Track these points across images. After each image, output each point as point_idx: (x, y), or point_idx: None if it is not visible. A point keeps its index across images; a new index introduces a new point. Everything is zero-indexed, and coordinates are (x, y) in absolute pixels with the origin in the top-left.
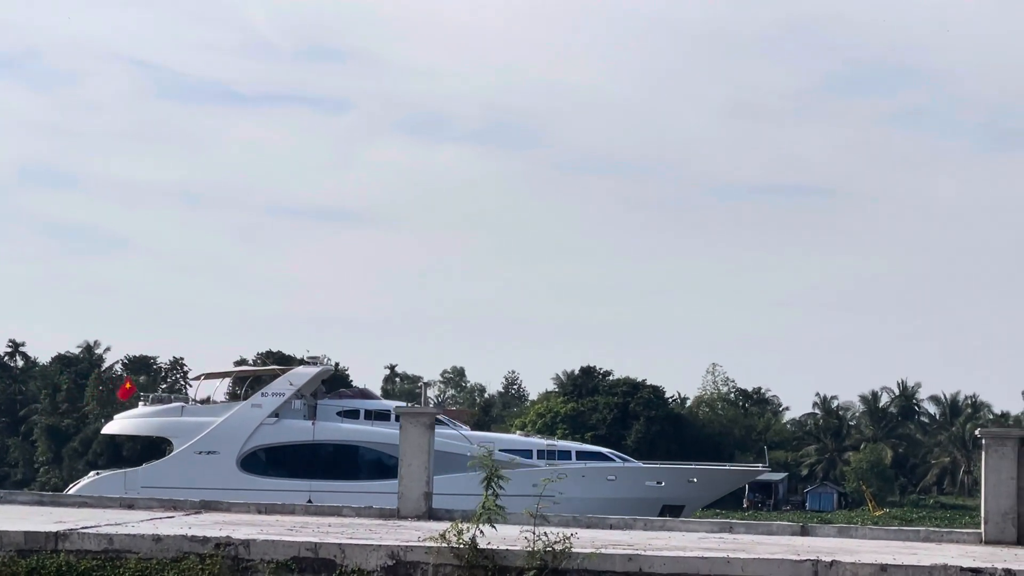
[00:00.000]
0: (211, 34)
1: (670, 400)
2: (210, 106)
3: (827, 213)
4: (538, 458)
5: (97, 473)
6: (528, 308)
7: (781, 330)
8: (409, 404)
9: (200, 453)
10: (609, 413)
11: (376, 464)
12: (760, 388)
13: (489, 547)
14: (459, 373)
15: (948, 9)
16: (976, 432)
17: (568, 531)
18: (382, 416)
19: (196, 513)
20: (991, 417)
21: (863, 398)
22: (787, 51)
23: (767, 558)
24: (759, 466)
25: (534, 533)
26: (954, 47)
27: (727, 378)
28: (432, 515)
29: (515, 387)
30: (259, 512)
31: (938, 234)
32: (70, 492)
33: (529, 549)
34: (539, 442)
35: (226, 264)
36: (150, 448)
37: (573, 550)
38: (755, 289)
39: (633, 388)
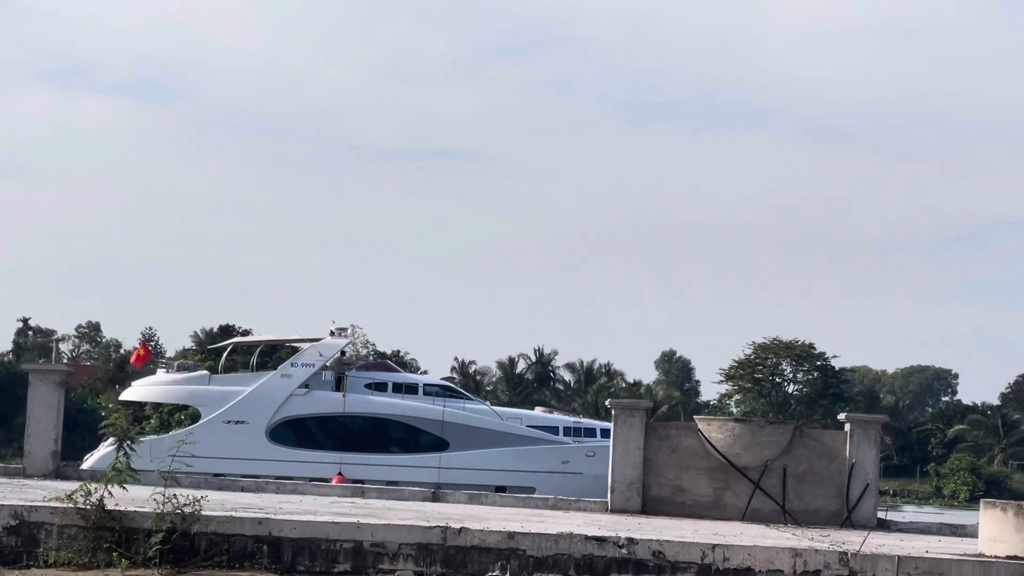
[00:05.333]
0: None
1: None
2: None
3: (472, 178)
4: (564, 435)
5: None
6: (168, 264)
7: (422, 293)
8: (42, 360)
9: (229, 423)
10: (248, 372)
11: (407, 438)
12: (399, 351)
13: (117, 508)
14: (94, 328)
15: None
16: (607, 403)
17: (199, 493)
18: (411, 389)
19: None
20: (624, 385)
21: (500, 364)
22: (440, 16)
23: (397, 524)
24: None
25: (164, 495)
26: (606, 19)
27: (367, 340)
28: (60, 474)
29: (152, 343)
30: None
31: (580, 203)
32: (88, 462)
33: (158, 511)
34: (565, 419)
35: None
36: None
37: (203, 513)
38: (398, 251)
39: (271, 348)
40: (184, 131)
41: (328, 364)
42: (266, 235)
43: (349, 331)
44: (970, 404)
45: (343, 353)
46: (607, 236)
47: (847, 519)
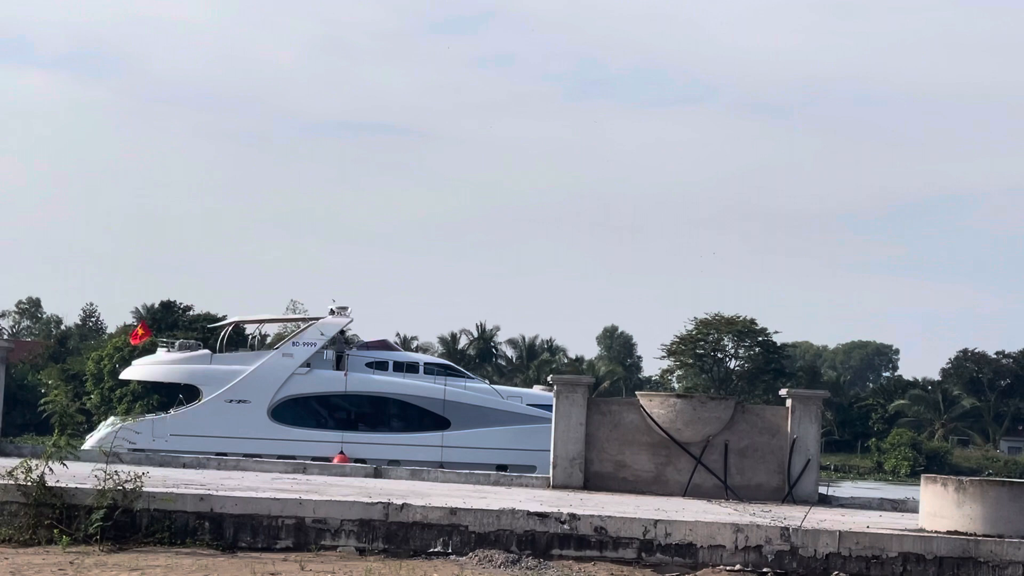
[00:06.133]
0: None
1: (250, 337)
2: None
3: (413, 152)
4: None
5: (124, 419)
6: (108, 240)
7: (362, 268)
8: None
9: (231, 402)
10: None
11: (409, 416)
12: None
13: (58, 485)
14: (35, 304)
15: None
16: (548, 379)
17: (140, 470)
18: (411, 368)
19: None
20: (566, 361)
21: (442, 339)
22: None
23: (339, 500)
24: None
25: (105, 472)
26: None
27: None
28: (0, 451)
29: (93, 319)
30: None
31: (519, 178)
32: (89, 442)
33: (100, 488)
34: None
35: None
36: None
37: (145, 489)
38: (338, 225)
39: (212, 323)
40: (125, 106)
41: (329, 343)
42: (206, 210)
43: (348, 310)
44: (911, 380)
45: (343, 332)
46: (549, 211)
47: (788, 494)
